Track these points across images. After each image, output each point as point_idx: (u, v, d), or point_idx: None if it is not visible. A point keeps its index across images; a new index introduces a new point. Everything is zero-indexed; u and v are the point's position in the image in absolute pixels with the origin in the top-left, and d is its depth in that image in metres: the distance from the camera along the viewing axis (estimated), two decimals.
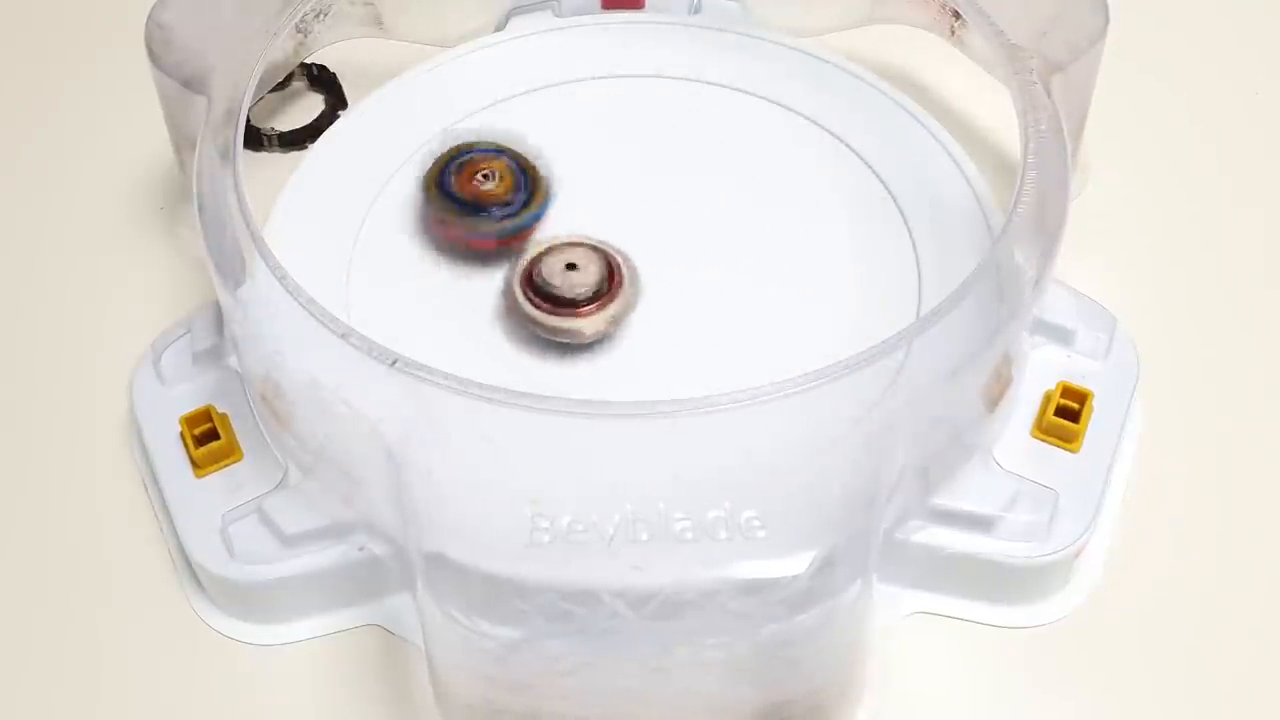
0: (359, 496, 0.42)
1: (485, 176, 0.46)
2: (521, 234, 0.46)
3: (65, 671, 0.43)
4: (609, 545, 0.38)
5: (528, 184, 0.46)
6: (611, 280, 0.45)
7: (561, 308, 0.44)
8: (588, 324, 0.44)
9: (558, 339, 0.44)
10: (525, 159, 0.47)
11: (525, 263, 0.45)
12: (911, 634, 0.43)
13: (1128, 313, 0.47)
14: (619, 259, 0.45)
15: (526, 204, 0.46)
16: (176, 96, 0.47)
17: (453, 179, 0.46)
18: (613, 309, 0.44)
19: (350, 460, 0.41)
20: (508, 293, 0.45)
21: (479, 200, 0.46)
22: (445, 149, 0.47)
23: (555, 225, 0.47)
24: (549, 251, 0.45)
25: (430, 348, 0.40)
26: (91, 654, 0.44)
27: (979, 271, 0.41)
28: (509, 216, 0.46)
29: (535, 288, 0.44)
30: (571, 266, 0.44)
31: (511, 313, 0.45)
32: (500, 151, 0.47)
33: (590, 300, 0.44)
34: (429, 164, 0.47)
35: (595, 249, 0.45)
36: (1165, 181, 0.54)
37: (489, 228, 0.46)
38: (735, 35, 0.53)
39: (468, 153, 0.47)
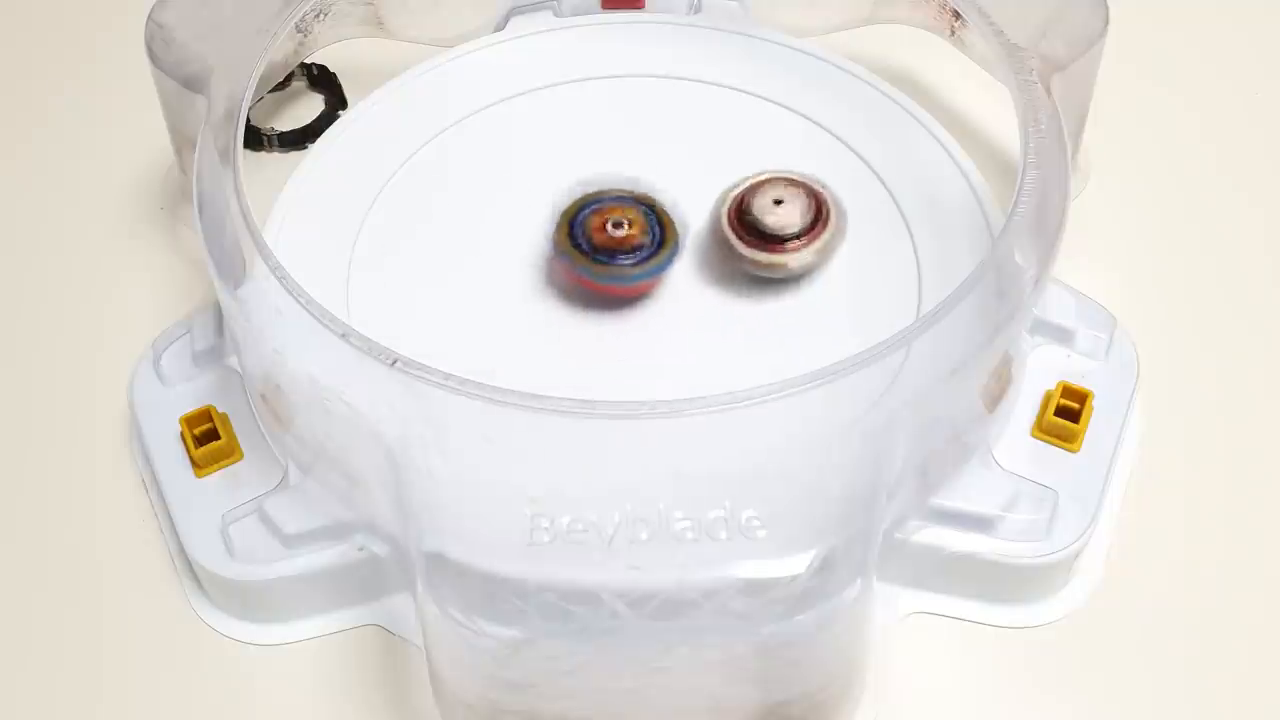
0: (359, 496, 0.42)
1: (617, 225, 0.45)
2: (654, 279, 0.45)
3: (65, 671, 0.43)
4: (609, 545, 0.38)
5: (660, 230, 0.45)
6: (818, 215, 0.45)
7: (771, 243, 0.44)
8: (794, 258, 0.45)
9: (766, 274, 0.45)
10: (657, 205, 0.46)
11: (732, 199, 0.45)
12: (911, 634, 0.44)
13: (1128, 313, 0.47)
14: (825, 194, 0.45)
15: (659, 249, 0.45)
16: (176, 96, 0.47)
17: (583, 229, 0.45)
18: (820, 241, 0.45)
19: (350, 460, 0.41)
20: (716, 230, 0.45)
21: (611, 248, 0.45)
22: (572, 199, 0.46)
23: (553, 224, 0.47)
24: (756, 188, 0.45)
25: (430, 348, 0.40)
26: (91, 654, 0.44)
27: (979, 271, 0.41)
28: (642, 263, 0.45)
29: (746, 225, 0.45)
30: (779, 202, 0.45)
31: (721, 248, 0.45)
32: (630, 198, 0.46)
33: (798, 235, 0.45)
34: (558, 217, 0.45)
35: (799, 183, 0.45)
36: (1165, 181, 0.54)
37: (622, 273, 0.45)
38: (735, 35, 0.53)
39: (596, 201, 0.45)
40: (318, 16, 0.51)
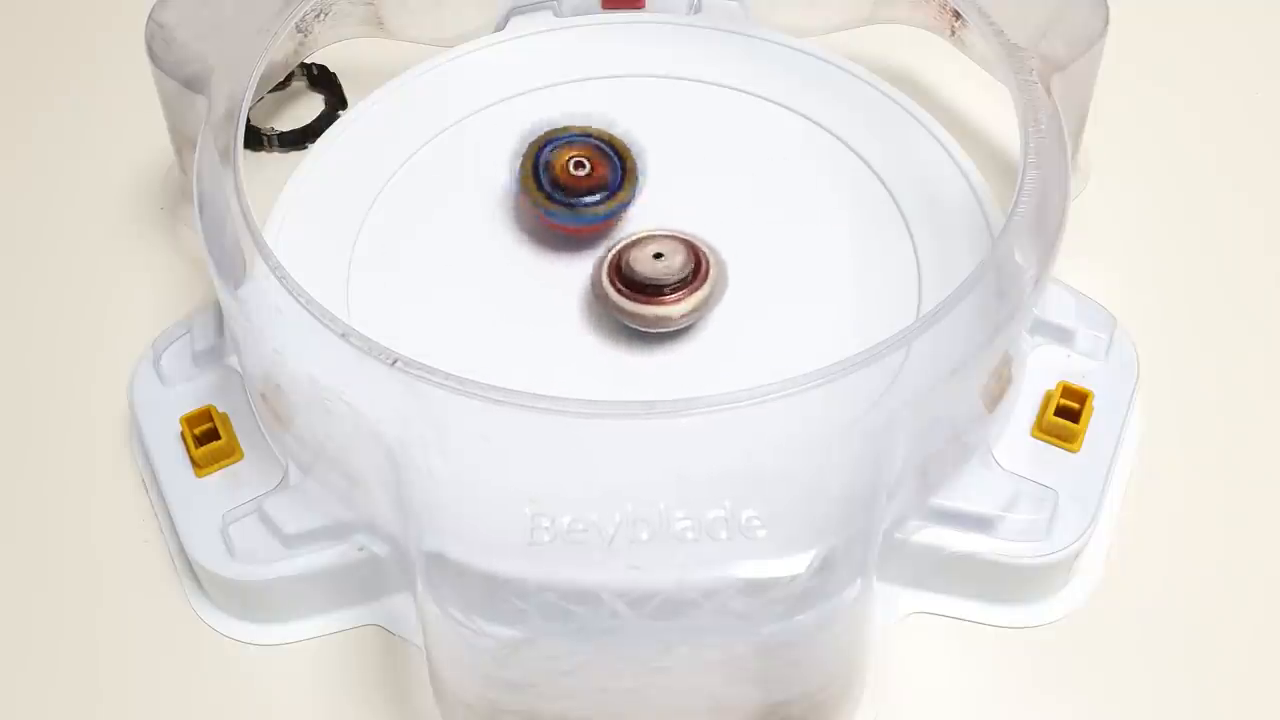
0: (359, 496, 0.42)
1: (579, 165, 0.46)
2: (614, 219, 0.46)
3: (65, 671, 0.43)
4: (609, 545, 0.38)
5: (620, 170, 0.46)
6: (698, 269, 0.45)
7: (650, 295, 0.44)
8: (675, 310, 0.44)
9: (645, 328, 0.45)
10: (618, 142, 0.47)
11: (613, 253, 0.45)
12: (911, 634, 0.44)
13: (1128, 313, 0.47)
14: (705, 249, 0.45)
15: (619, 190, 0.46)
16: (176, 96, 0.47)
17: (546, 169, 0.46)
18: (699, 295, 0.44)
19: (350, 460, 0.41)
20: (596, 284, 0.45)
21: (575, 188, 0.46)
22: (534, 136, 0.47)
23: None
24: (637, 242, 0.45)
25: (430, 348, 0.40)
26: (91, 654, 0.44)
27: (979, 271, 0.41)
28: (603, 203, 0.46)
29: (624, 277, 0.45)
30: (659, 255, 0.45)
31: (601, 302, 0.45)
32: (588, 136, 0.47)
33: (678, 287, 0.44)
34: (521, 155, 0.47)
35: (681, 239, 0.45)
36: (1165, 181, 0.54)
37: (587, 213, 0.46)
38: (735, 35, 0.53)
39: (558, 139, 0.47)
40: (318, 16, 0.51)
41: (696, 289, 0.44)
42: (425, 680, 0.42)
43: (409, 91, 0.51)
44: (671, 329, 0.44)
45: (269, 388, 0.43)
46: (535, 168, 0.46)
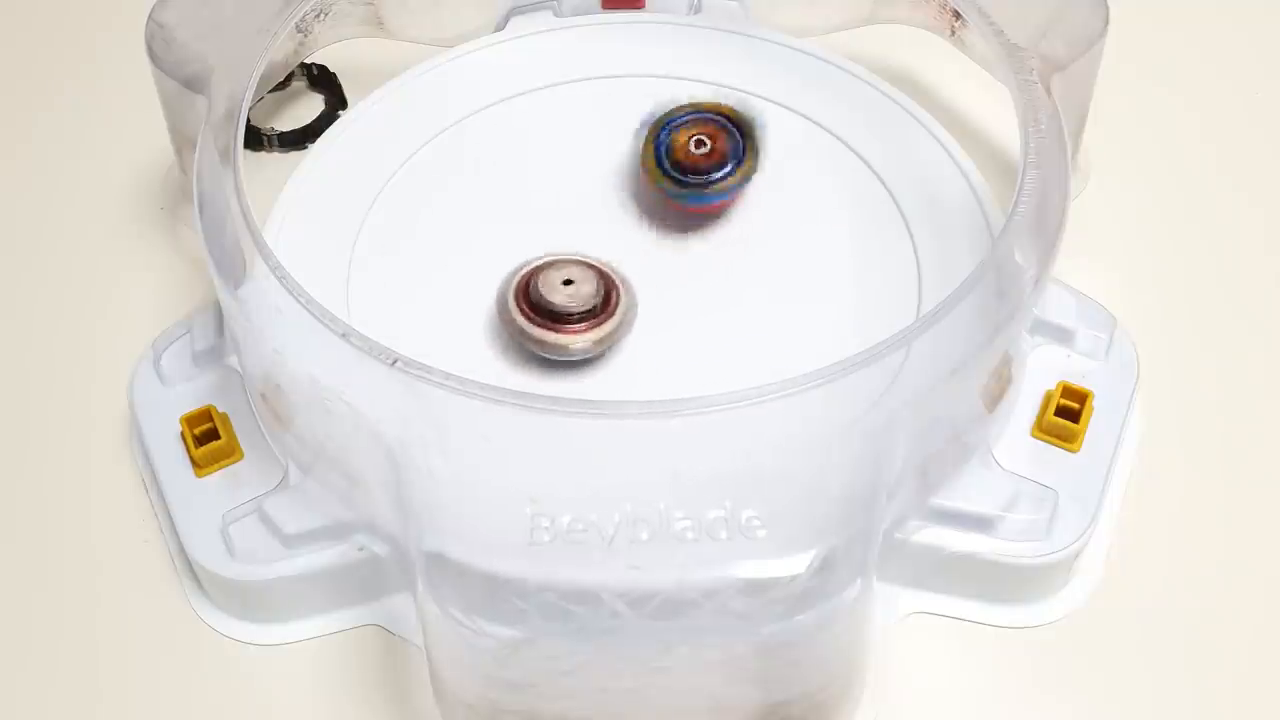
0: (359, 496, 0.42)
1: (699, 143, 0.46)
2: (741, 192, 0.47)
3: (65, 671, 0.43)
4: (609, 545, 0.38)
5: (741, 142, 0.46)
6: (607, 300, 0.44)
7: (555, 322, 0.43)
8: (576, 340, 0.43)
9: (546, 354, 0.44)
10: (735, 114, 0.47)
11: (520, 277, 0.44)
12: (911, 634, 0.44)
13: (1128, 313, 0.47)
14: (616, 278, 0.44)
15: (742, 162, 0.46)
16: (176, 96, 0.47)
17: (668, 153, 0.46)
18: (605, 329, 0.44)
19: (350, 460, 0.41)
20: (501, 305, 0.44)
21: (699, 166, 0.46)
22: (651, 121, 0.47)
23: (553, 224, 0.47)
24: (546, 266, 0.44)
25: (430, 348, 0.40)
26: (91, 654, 0.44)
27: (979, 271, 0.41)
28: (728, 178, 0.46)
29: (531, 301, 0.44)
30: (569, 282, 0.44)
31: (506, 325, 0.44)
32: (703, 113, 0.47)
33: (585, 318, 0.44)
34: (641, 140, 0.47)
35: (592, 266, 0.44)
36: (1165, 181, 0.54)
37: (715, 191, 0.46)
38: (735, 35, 0.53)
39: (675, 120, 0.47)
40: (318, 16, 0.51)
41: (602, 321, 0.44)
42: (425, 680, 0.42)
43: (409, 91, 0.51)
44: (572, 359, 0.44)
45: (269, 388, 0.43)
46: (657, 153, 0.46)
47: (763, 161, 0.46)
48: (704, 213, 0.47)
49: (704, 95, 0.47)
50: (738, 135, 0.46)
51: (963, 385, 0.41)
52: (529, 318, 0.44)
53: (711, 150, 0.46)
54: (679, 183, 0.46)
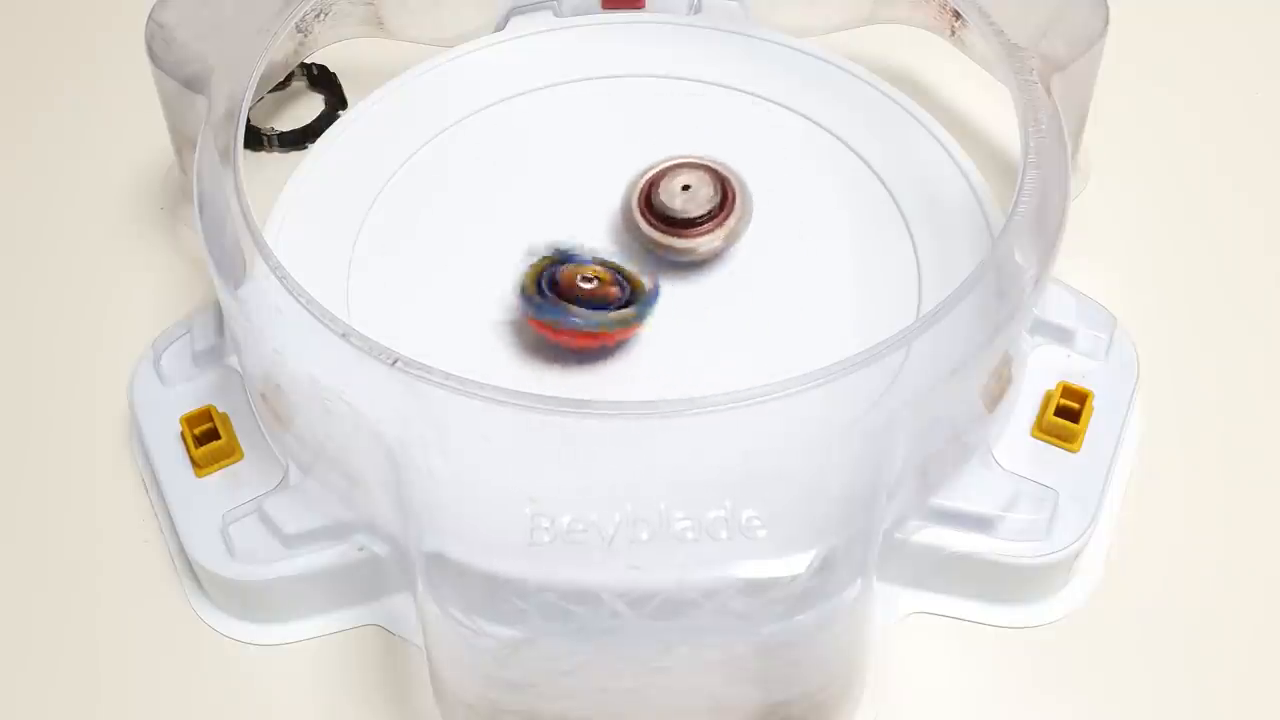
0: (359, 496, 0.42)
1: (586, 280, 0.44)
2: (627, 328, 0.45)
3: (65, 671, 0.43)
4: (609, 545, 0.38)
5: (627, 283, 0.45)
6: (725, 199, 0.46)
7: (679, 227, 0.45)
8: (703, 242, 0.45)
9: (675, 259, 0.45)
10: (621, 268, 0.45)
11: (642, 185, 0.46)
12: (911, 634, 0.44)
13: (1128, 313, 0.47)
14: (732, 179, 0.46)
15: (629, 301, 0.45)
16: (176, 96, 0.47)
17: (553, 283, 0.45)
18: (728, 226, 0.45)
19: (350, 460, 0.41)
20: (626, 213, 0.46)
21: (585, 299, 0.44)
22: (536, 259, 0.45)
23: (554, 223, 0.47)
24: (664, 174, 0.46)
25: (430, 348, 0.40)
26: (91, 654, 0.44)
27: (979, 271, 0.41)
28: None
29: (654, 210, 0.45)
30: (687, 188, 0.45)
31: (631, 232, 0.46)
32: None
33: (706, 219, 0.45)
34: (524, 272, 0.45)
35: (709, 169, 0.46)
36: (1165, 181, 0.54)
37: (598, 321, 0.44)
38: (735, 35, 0.53)
39: (564, 260, 0.45)
40: (318, 16, 0.51)
41: (724, 220, 0.45)
42: (425, 680, 0.42)
43: (409, 91, 0.51)
44: (698, 259, 0.46)
45: (269, 388, 0.43)
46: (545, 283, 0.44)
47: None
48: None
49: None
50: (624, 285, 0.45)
51: (963, 385, 0.41)
52: (655, 226, 0.45)
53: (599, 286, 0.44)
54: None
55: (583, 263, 0.45)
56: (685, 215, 0.45)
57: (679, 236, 0.45)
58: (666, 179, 0.46)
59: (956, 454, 0.43)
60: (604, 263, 0.45)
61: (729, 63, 0.52)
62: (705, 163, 0.46)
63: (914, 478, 0.41)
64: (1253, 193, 0.54)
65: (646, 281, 0.45)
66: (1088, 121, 0.49)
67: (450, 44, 0.53)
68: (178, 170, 0.51)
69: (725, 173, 0.46)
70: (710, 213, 0.46)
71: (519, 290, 0.45)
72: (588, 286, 0.44)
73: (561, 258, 0.45)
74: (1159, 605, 0.44)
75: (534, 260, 0.45)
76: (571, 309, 0.44)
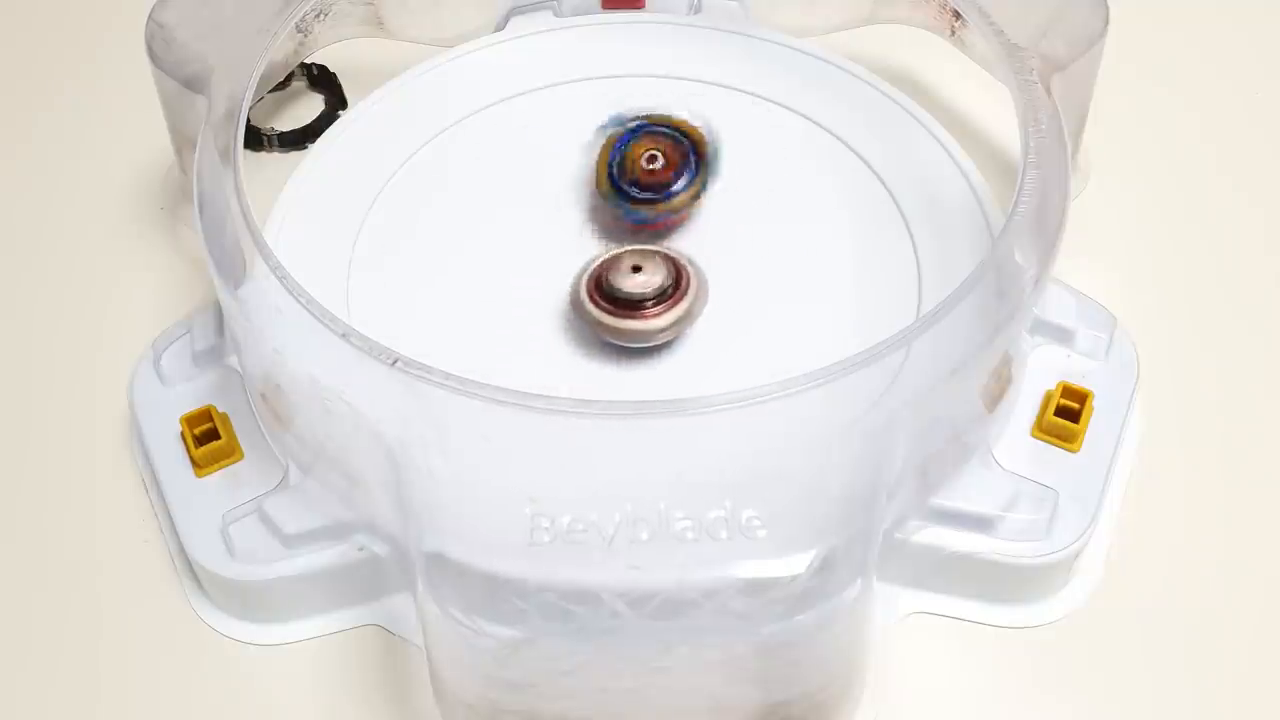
0: (359, 496, 0.42)
1: (651, 158, 0.46)
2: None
3: (65, 671, 0.43)
4: (609, 545, 0.38)
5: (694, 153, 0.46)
6: (678, 283, 0.45)
7: (627, 309, 0.44)
8: (652, 325, 0.44)
9: (625, 343, 0.44)
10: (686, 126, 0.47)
11: (593, 268, 0.45)
12: (911, 634, 0.44)
13: (1128, 313, 0.47)
14: (685, 263, 0.45)
15: (697, 173, 0.46)
16: (176, 96, 0.47)
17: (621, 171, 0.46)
18: (679, 309, 0.44)
19: (350, 460, 0.41)
20: (575, 300, 0.45)
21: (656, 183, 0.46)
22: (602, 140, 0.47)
23: (553, 224, 0.47)
24: (616, 258, 0.45)
25: (430, 348, 0.40)
26: (91, 654, 0.44)
27: (979, 271, 0.41)
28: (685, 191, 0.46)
29: (603, 292, 0.44)
30: (638, 269, 0.44)
31: (581, 317, 0.45)
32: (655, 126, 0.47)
33: (657, 301, 0.44)
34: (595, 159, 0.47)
35: (661, 254, 0.45)
36: (1165, 181, 0.54)
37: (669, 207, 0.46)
38: (735, 35, 0.53)
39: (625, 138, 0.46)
40: (318, 16, 0.51)
41: (676, 302, 0.44)
42: (425, 680, 0.42)
43: (409, 91, 0.51)
44: (650, 344, 0.44)
45: (269, 388, 0.43)
46: (610, 173, 0.46)
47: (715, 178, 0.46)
48: (660, 228, 0.47)
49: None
50: (689, 146, 0.46)
51: (963, 385, 0.41)
52: (605, 309, 0.44)
53: (665, 165, 0.46)
54: (634, 199, 0.46)
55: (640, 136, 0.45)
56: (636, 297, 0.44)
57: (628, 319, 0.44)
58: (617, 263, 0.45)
59: (956, 454, 0.43)
60: (662, 126, 0.45)
61: (729, 63, 0.52)
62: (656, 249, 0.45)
63: (914, 478, 0.41)
64: (1253, 193, 0.54)
65: (707, 137, 0.45)
66: (1088, 121, 0.49)
67: (450, 44, 0.53)
68: (178, 170, 0.51)
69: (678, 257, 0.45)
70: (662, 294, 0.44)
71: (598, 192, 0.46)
72: (651, 168, 0.45)
73: (621, 132, 0.45)
74: (1159, 605, 0.44)
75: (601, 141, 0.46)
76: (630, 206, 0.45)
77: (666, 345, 0.45)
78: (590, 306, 0.44)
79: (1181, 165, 0.54)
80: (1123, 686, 0.43)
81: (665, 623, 0.37)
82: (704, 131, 0.46)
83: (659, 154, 0.46)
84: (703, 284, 0.45)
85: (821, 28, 0.53)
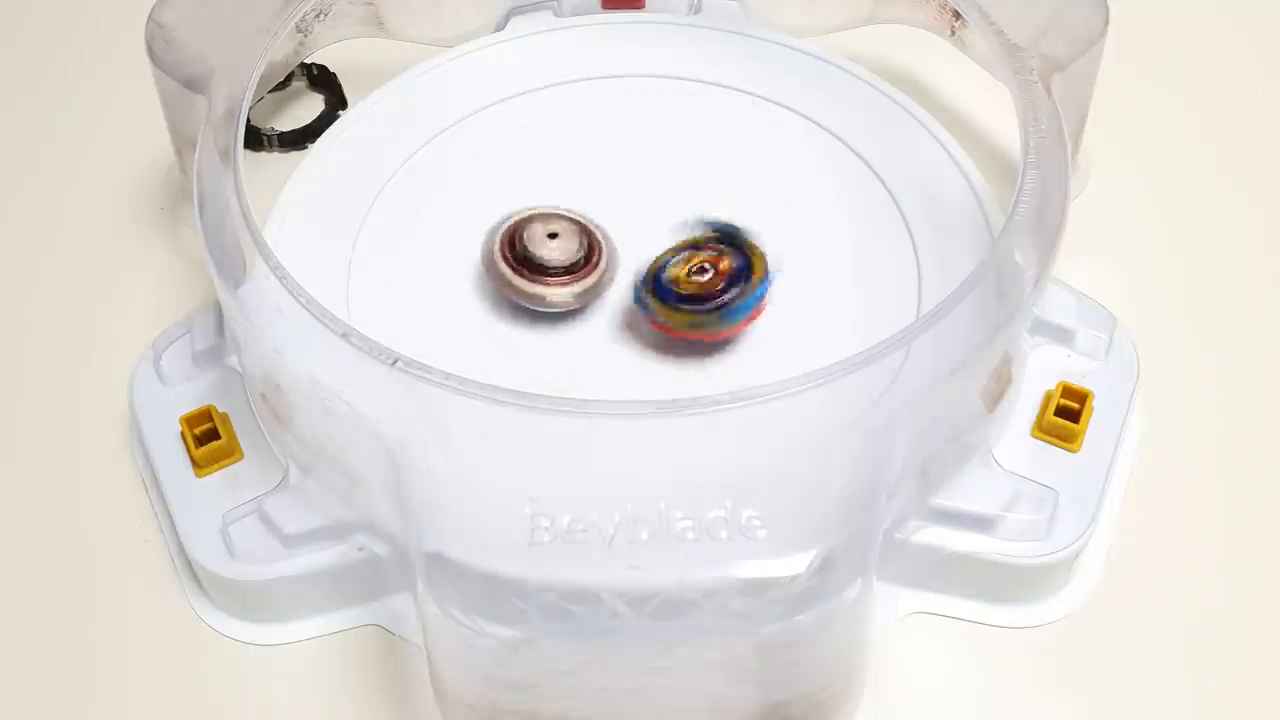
0: (359, 496, 0.42)
1: (699, 272, 0.44)
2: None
3: (65, 671, 0.43)
4: (609, 545, 0.38)
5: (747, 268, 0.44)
6: (590, 254, 0.45)
7: (538, 274, 0.44)
8: (557, 294, 0.44)
9: (528, 305, 0.45)
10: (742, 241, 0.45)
11: (508, 227, 0.45)
12: (911, 634, 0.44)
13: (1128, 313, 0.47)
14: (599, 234, 0.45)
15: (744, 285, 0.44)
16: (176, 96, 0.47)
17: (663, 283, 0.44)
18: (587, 282, 0.44)
19: (350, 460, 0.41)
20: (486, 257, 0.45)
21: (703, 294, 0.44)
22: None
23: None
24: (532, 219, 0.45)
25: (430, 348, 0.40)
26: (91, 654, 0.44)
27: (979, 271, 0.41)
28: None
29: (515, 254, 0.44)
30: (553, 235, 0.44)
31: (491, 276, 0.45)
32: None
33: (566, 271, 0.44)
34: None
35: (576, 221, 0.45)
36: (1165, 181, 0.54)
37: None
38: (735, 35, 0.53)
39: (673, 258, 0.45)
40: (318, 16, 0.51)
41: (585, 275, 0.44)
42: (425, 680, 0.42)
43: (409, 91, 0.51)
44: (553, 310, 0.45)
45: (269, 388, 0.43)
46: (655, 286, 0.44)
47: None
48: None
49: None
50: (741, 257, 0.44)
51: (963, 385, 0.41)
52: (514, 269, 0.44)
53: (714, 275, 0.44)
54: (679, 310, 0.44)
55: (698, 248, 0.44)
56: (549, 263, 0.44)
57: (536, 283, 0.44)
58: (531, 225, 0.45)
59: (956, 454, 0.43)
60: (721, 238, 0.44)
61: (729, 63, 0.52)
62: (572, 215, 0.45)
63: (914, 478, 0.41)
64: (1253, 193, 0.54)
65: (766, 258, 0.44)
66: (1088, 121, 0.49)
67: (450, 44, 0.53)
68: (178, 170, 0.51)
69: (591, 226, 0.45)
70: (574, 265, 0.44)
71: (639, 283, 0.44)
72: (699, 279, 0.44)
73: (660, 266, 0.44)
74: (1159, 605, 0.44)
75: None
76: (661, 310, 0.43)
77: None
78: (503, 266, 0.44)
79: (1181, 165, 0.54)
80: (1123, 686, 0.43)
81: (665, 623, 0.37)
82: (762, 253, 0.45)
83: (709, 266, 0.44)
84: (613, 256, 0.45)
85: (821, 28, 0.53)
